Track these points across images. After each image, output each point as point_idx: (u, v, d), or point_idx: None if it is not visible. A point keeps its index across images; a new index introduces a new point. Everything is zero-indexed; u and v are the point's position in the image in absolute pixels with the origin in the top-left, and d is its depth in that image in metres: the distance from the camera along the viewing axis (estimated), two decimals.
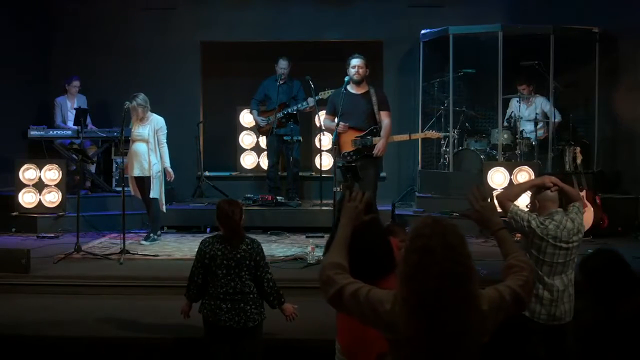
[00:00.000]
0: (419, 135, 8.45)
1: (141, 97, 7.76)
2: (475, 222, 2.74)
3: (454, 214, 8.05)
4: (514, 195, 4.57)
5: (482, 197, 2.67)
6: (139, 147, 7.85)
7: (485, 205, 2.67)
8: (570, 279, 4.29)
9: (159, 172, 7.84)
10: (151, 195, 7.83)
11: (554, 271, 4.23)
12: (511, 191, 4.79)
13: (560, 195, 4.42)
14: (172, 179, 7.99)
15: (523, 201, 6.08)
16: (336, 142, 7.17)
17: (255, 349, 4.37)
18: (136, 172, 7.89)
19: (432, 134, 8.33)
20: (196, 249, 4.47)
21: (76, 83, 9.60)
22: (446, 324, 2.23)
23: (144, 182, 7.89)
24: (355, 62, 7.23)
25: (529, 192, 4.73)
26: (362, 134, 7.20)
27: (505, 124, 9.27)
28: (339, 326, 3.42)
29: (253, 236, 4.55)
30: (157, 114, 7.95)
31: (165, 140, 7.91)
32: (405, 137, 7.80)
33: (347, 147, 7.20)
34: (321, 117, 7.76)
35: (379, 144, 7.16)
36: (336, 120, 7.22)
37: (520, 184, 6.18)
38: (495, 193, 8.11)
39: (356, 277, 2.55)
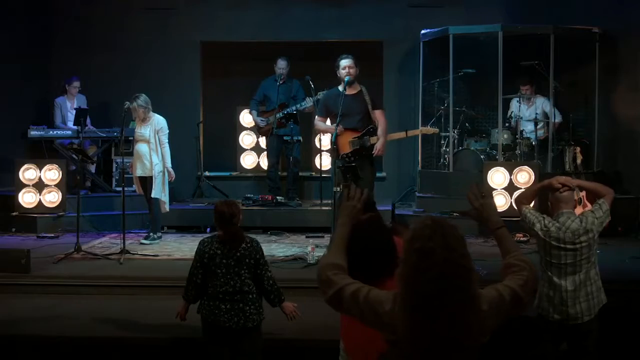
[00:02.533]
0: (416, 132, 8.39)
1: (142, 98, 7.78)
2: (474, 220, 2.73)
3: (454, 213, 8.05)
4: (526, 197, 4.58)
5: (482, 195, 2.65)
6: (141, 148, 7.90)
7: (485, 204, 2.64)
8: (587, 277, 4.20)
9: (160, 172, 7.86)
10: (152, 195, 7.85)
11: (564, 272, 4.20)
12: (524, 194, 4.80)
13: (589, 194, 4.40)
14: (173, 179, 8.02)
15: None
16: (335, 143, 7.16)
17: (254, 350, 4.37)
18: (139, 172, 7.96)
19: (428, 129, 8.32)
20: (195, 252, 4.46)
21: (76, 83, 9.59)
22: (445, 325, 2.22)
23: (146, 182, 7.93)
24: (346, 62, 7.20)
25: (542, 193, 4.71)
26: (359, 135, 7.19)
27: (506, 124, 9.27)
28: (343, 325, 3.42)
29: (253, 236, 4.54)
30: (158, 114, 7.96)
31: (167, 141, 7.93)
32: (402, 134, 7.79)
33: (345, 148, 7.18)
34: (316, 120, 7.76)
35: (378, 143, 7.15)
36: (328, 122, 7.23)
37: (530, 187, 6.19)
38: (496, 193, 8.13)
39: (359, 277, 2.53)
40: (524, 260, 2.53)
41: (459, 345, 2.25)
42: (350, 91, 7.24)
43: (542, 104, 9.27)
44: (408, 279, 2.27)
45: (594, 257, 4.28)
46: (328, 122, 7.44)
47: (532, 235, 4.38)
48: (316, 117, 7.63)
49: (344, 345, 3.41)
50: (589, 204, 7.75)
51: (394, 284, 2.40)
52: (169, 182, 8.05)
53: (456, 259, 2.23)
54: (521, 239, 7.42)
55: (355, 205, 2.76)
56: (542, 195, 4.48)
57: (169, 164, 7.92)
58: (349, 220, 2.73)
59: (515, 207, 4.73)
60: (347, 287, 2.45)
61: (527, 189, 6.27)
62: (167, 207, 8.05)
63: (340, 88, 7.24)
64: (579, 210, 4.97)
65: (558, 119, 9.30)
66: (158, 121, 7.91)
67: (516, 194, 7.89)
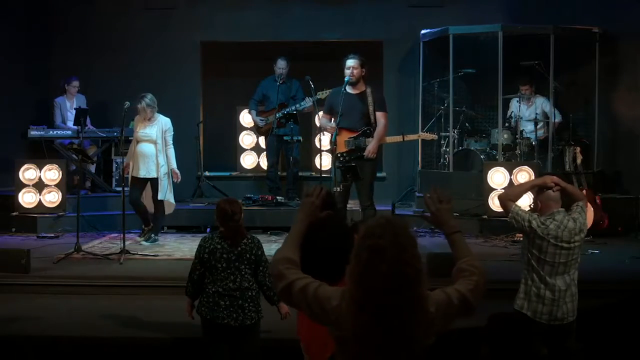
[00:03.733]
0: (413, 137, 8.30)
1: (149, 97, 7.71)
2: (431, 223, 2.74)
3: (454, 214, 8.05)
4: (515, 195, 4.58)
5: (439, 199, 2.65)
6: (146, 148, 7.78)
7: (442, 208, 2.64)
8: (572, 278, 4.29)
9: (166, 173, 7.80)
10: (159, 197, 7.78)
11: (556, 271, 4.23)
12: (512, 191, 4.81)
13: (564, 195, 4.42)
14: (179, 180, 7.97)
15: (525, 202, 6.09)
16: (335, 142, 7.16)
17: (252, 348, 4.37)
18: (142, 173, 7.79)
19: (426, 135, 8.28)
20: (196, 249, 4.46)
21: (75, 83, 9.58)
22: (392, 323, 2.25)
23: (147, 183, 7.87)
24: (350, 62, 7.20)
25: (531, 192, 4.73)
26: (355, 135, 7.19)
27: (506, 124, 9.27)
28: (299, 323, 3.41)
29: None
30: (161, 115, 7.93)
31: (172, 142, 7.90)
32: (398, 138, 7.71)
33: (342, 148, 7.19)
34: (321, 117, 7.76)
35: (370, 145, 7.12)
36: (333, 121, 7.23)
37: (521, 184, 6.19)
38: (496, 193, 8.12)
39: (316, 276, 2.54)
40: (475, 265, 2.53)
41: (405, 345, 2.27)
42: (354, 91, 7.24)
43: (541, 104, 9.26)
44: (357, 275, 2.29)
45: (579, 259, 4.32)
46: (332, 120, 7.44)
47: (524, 233, 4.37)
48: (321, 113, 7.65)
49: (302, 344, 3.41)
50: (589, 204, 7.79)
51: None
52: (176, 183, 8.02)
53: (406, 258, 2.26)
54: (521, 239, 7.40)
55: (313, 201, 2.77)
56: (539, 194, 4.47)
57: (174, 165, 7.87)
58: (305, 217, 2.75)
59: (500, 205, 4.73)
60: (297, 282, 2.48)
61: (514, 187, 6.27)
62: (172, 208, 8.02)
63: (343, 87, 7.25)
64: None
65: (558, 118, 9.30)
66: (165, 122, 7.85)
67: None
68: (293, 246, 2.66)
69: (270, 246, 7.65)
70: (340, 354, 2.43)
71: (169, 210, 8.03)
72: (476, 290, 2.46)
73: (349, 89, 7.23)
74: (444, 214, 2.64)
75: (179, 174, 7.91)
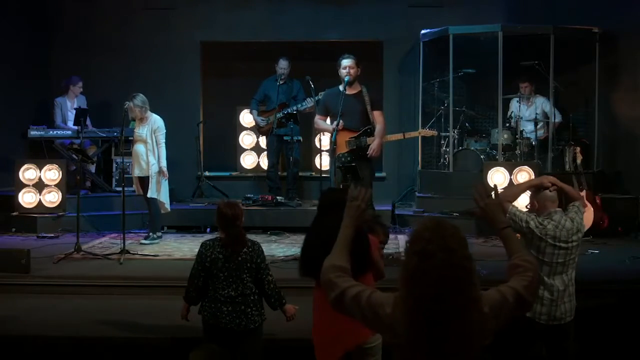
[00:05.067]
0: (414, 134, 8.35)
1: (139, 98, 7.78)
2: (480, 219, 2.73)
3: (454, 214, 8.05)
4: (513, 195, 4.58)
5: (487, 194, 2.62)
6: (139, 148, 7.92)
7: (490, 203, 2.61)
8: (570, 278, 4.29)
9: (156, 172, 7.87)
10: (148, 195, 7.87)
11: (554, 271, 4.24)
12: (510, 192, 4.81)
13: (560, 195, 4.43)
14: (166, 178, 7.98)
15: (523, 202, 6.08)
16: (335, 142, 7.17)
17: (255, 351, 4.37)
18: (136, 172, 7.99)
19: (427, 132, 8.32)
20: (196, 249, 4.47)
21: (80, 84, 9.59)
22: (446, 328, 2.21)
23: (144, 182, 7.94)
24: (346, 62, 7.23)
25: (528, 192, 4.73)
26: (355, 135, 7.19)
27: (506, 124, 9.27)
28: (314, 321, 3.41)
29: (253, 236, 4.55)
30: (157, 114, 7.96)
31: (164, 141, 7.92)
32: (399, 136, 7.77)
33: (342, 148, 7.19)
34: (316, 119, 7.77)
35: (373, 144, 7.15)
36: (328, 121, 7.23)
37: (518, 185, 6.19)
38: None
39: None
40: (529, 260, 2.50)
41: (460, 348, 2.24)
42: (350, 91, 7.25)
43: (541, 104, 9.27)
44: (408, 282, 2.25)
45: (577, 259, 4.32)
46: (328, 121, 7.44)
47: (522, 233, 4.37)
48: (316, 115, 7.66)
49: (314, 342, 3.42)
50: (588, 204, 7.80)
51: (366, 281, 2.38)
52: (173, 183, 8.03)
53: (456, 261, 2.22)
54: (520, 239, 7.41)
55: (360, 205, 2.70)
56: (536, 194, 4.47)
57: (163, 164, 7.90)
58: (353, 221, 2.67)
59: None
60: (349, 290, 2.44)
61: (512, 187, 6.28)
62: (167, 207, 8.05)
63: (341, 87, 7.26)
64: None
65: (558, 118, 9.30)
66: (155, 121, 7.91)
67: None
68: (342, 253, 2.59)
69: (270, 246, 7.68)
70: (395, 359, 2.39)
71: (163, 210, 8.04)
72: (531, 287, 2.43)
73: (345, 90, 7.24)
74: (493, 209, 2.61)
75: (166, 172, 7.94)
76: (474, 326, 2.25)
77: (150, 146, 7.86)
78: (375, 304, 2.37)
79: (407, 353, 2.29)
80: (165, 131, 7.96)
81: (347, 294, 2.43)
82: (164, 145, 7.92)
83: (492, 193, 2.63)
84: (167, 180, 7.96)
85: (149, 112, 7.89)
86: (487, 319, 2.30)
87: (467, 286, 2.23)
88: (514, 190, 4.81)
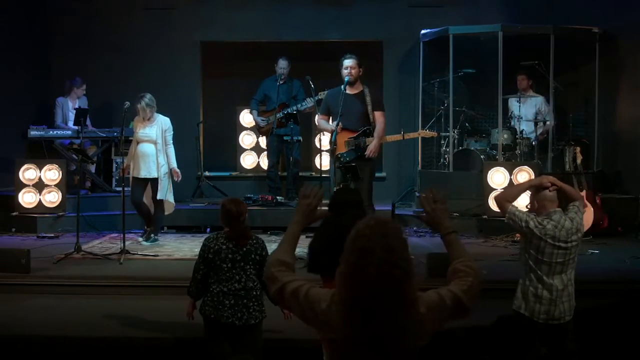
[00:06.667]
0: (413, 135, 8.31)
1: (148, 97, 7.70)
2: (426, 224, 2.72)
3: (454, 213, 8.04)
4: (512, 195, 4.59)
5: (435, 199, 2.63)
6: (147, 149, 7.77)
7: (437, 208, 2.62)
8: (569, 277, 4.30)
9: (166, 173, 7.79)
10: (158, 197, 7.77)
11: (553, 271, 4.24)
12: (509, 192, 4.82)
13: (560, 195, 4.43)
14: (180, 178, 7.96)
15: (523, 202, 6.08)
16: (335, 143, 7.17)
17: (255, 347, 4.38)
18: (143, 174, 7.78)
19: (427, 132, 8.32)
20: (196, 249, 4.50)
21: (84, 86, 9.59)
22: (381, 326, 2.23)
23: (147, 183, 7.86)
24: (348, 62, 7.22)
25: (528, 192, 4.74)
26: (355, 135, 7.19)
27: (506, 124, 9.26)
28: None
29: None
30: (161, 114, 7.92)
31: (172, 141, 7.90)
32: (398, 137, 7.74)
33: (342, 148, 7.19)
34: (318, 118, 7.77)
35: (371, 145, 7.14)
36: (330, 120, 7.22)
37: (518, 185, 6.19)
38: (496, 193, 8.11)
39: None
40: (470, 266, 2.52)
41: (394, 347, 2.26)
42: (351, 91, 7.24)
43: (538, 103, 9.23)
44: (346, 277, 2.27)
45: (577, 258, 4.32)
46: (331, 120, 7.44)
47: (521, 233, 4.38)
48: (318, 114, 7.66)
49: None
50: (588, 204, 7.80)
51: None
52: (176, 182, 8.01)
53: (395, 260, 2.22)
54: (520, 239, 7.40)
55: (310, 203, 2.73)
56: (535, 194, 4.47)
57: (174, 164, 7.85)
58: (302, 219, 2.71)
59: (497, 206, 4.73)
60: (289, 284, 2.47)
61: (511, 187, 6.28)
62: (172, 208, 8.02)
63: (343, 87, 7.26)
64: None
65: (551, 121, 9.20)
66: (165, 121, 7.84)
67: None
68: (287, 248, 2.63)
69: (270, 246, 7.60)
70: (330, 357, 2.43)
71: (168, 210, 8.02)
72: (470, 292, 2.43)
73: (347, 90, 7.24)
74: (439, 214, 2.62)
75: (179, 172, 7.90)
76: (410, 326, 2.27)
77: (160, 147, 7.74)
78: (312, 299, 2.40)
79: (341, 349, 2.31)
80: (173, 131, 7.94)
81: (287, 288, 2.46)
82: (172, 145, 7.88)
83: (440, 198, 2.63)
84: (170, 180, 7.92)
85: (156, 112, 7.84)
86: (424, 319, 2.32)
87: (404, 286, 2.24)
88: (513, 191, 4.81)
